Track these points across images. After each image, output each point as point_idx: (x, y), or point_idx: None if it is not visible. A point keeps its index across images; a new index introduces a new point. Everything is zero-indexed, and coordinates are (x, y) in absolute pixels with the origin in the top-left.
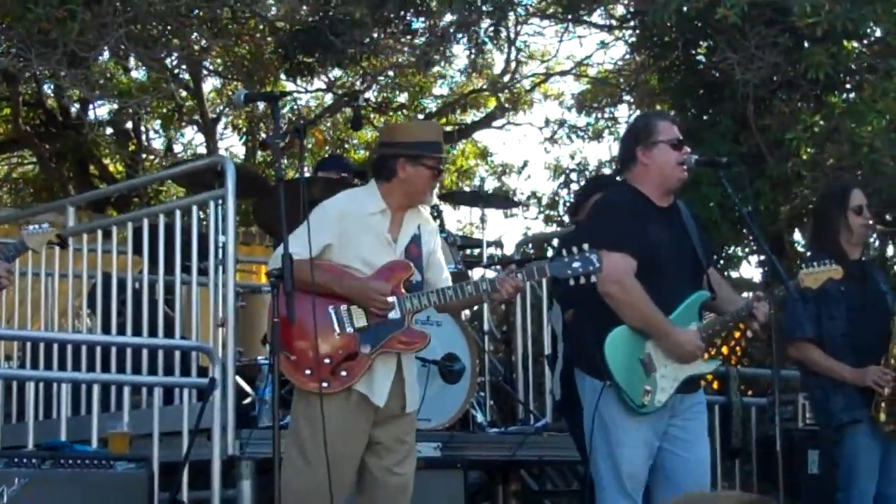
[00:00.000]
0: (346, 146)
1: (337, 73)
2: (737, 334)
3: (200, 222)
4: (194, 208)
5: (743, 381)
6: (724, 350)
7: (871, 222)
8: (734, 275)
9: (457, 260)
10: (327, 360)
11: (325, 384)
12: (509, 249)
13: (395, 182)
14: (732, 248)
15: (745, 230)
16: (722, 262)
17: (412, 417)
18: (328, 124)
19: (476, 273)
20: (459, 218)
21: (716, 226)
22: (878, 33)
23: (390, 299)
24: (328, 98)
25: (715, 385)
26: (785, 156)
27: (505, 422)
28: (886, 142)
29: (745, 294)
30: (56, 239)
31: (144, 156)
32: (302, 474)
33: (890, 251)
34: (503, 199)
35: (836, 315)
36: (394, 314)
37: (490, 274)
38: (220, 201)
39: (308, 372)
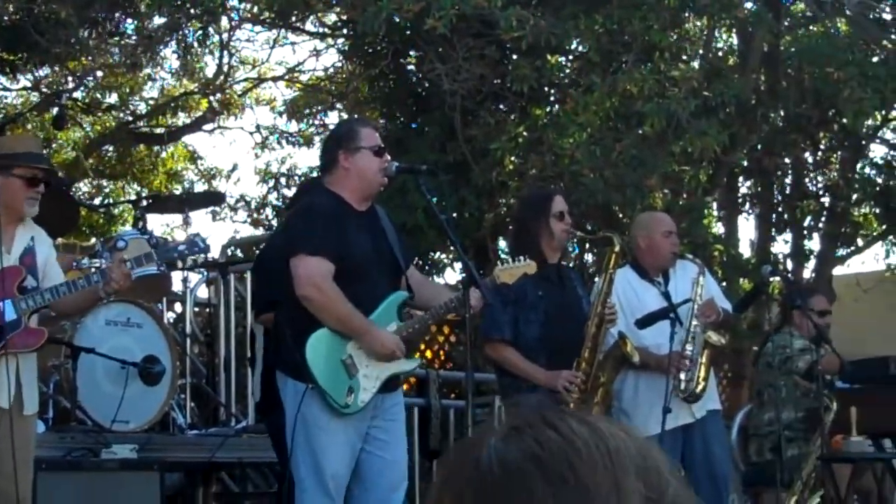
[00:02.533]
0: (53, 146)
1: (46, 71)
2: (440, 338)
3: None
4: None
5: (444, 384)
6: (428, 354)
7: (571, 228)
8: (439, 280)
9: (159, 262)
10: None
11: None
12: (216, 251)
13: None
14: (438, 253)
15: (447, 238)
16: (428, 267)
17: (30, 421)
18: (35, 123)
19: (177, 275)
20: (167, 221)
21: (422, 232)
22: (580, 49)
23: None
24: (35, 97)
25: (415, 388)
26: (490, 165)
27: (206, 424)
28: (587, 154)
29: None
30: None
31: None
32: None
33: (588, 258)
34: (206, 198)
35: (533, 319)
36: (10, 315)
37: (194, 277)
38: None
39: None
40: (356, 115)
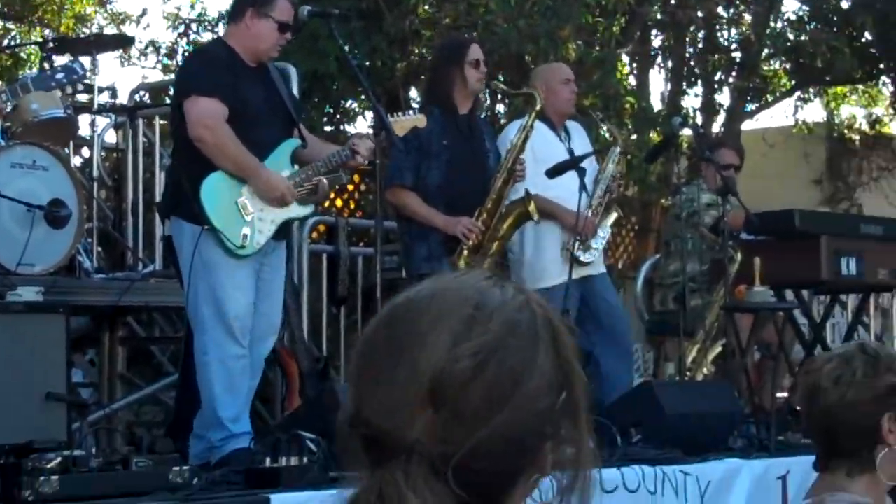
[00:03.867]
0: None
1: None
2: (350, 187)
3: None
4: None
5: (353, 232)
6: (338, 202)
7: (484, 77)
8: (350, 129)
9: (66, 105)
10: None
11: None
12: (124, 97)
13: None
14: (349, 102)
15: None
16: (339, 116)
17: None
18: None
19: (84, 119)
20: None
21: (333, 80)
22: None
23: None
24: None
25: (324, 235)
26: (403, 13)
27: (113, 268)
28: (501, 3)
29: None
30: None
31: None
32: None
33: (500, 109)
34: (115, 40)
35: (435, 167)
36: None
37: (102, 121)
38: None
39: None
40: None
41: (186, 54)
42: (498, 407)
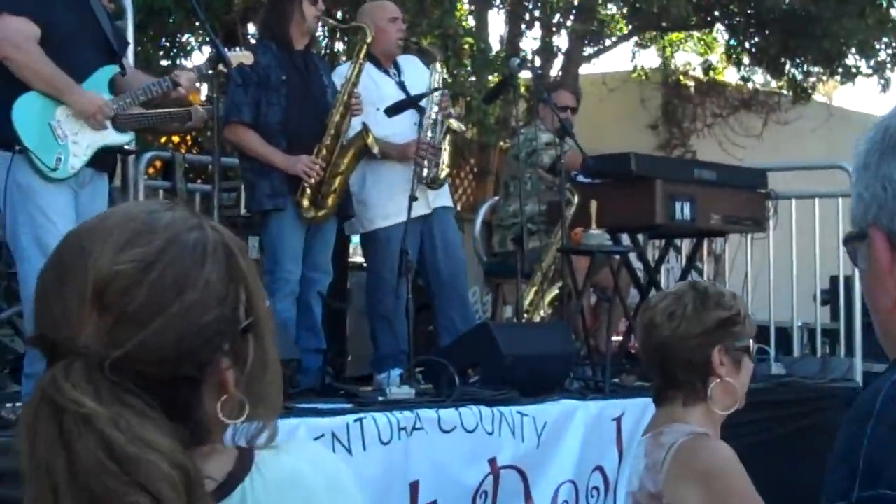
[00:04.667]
0: None
1: None
2: (175, 124)
3: None
4: None
5: (191, 169)
6: (175, 138)
7: (321, 14)
8: (186, 63)
9: None
10: None
11: None
12: None
13: None
14: (185, 36)
15: (196, 19)
16: (175, 50)
17: None
18: None
19: None
20: None
21: (169, 13)
22: None
23: None
24: None
25: (161, 171)
26: None
27: None
28: None
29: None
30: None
31: None
32: None
33: (339, 47)
34: None
35: (275, 102)
36: None
37: None
38: None
39: None
40: None
41: None
42: (158, 312)
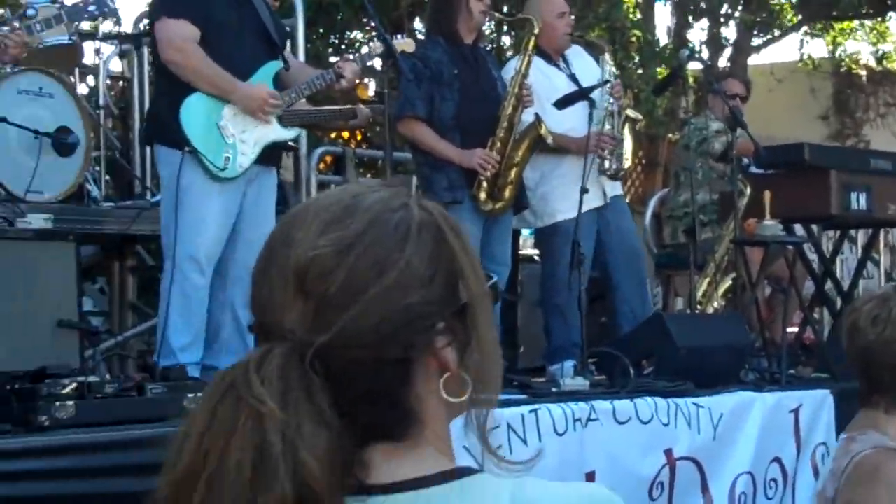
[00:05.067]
0: None
1: None
2: (339, 122)
3: None
4: None
5: (361, 163)
6: (345, 134)
7: (489, 9)
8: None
9: (70, 32)
10: None
11: None
12: (128, 25)
13: None
14: (354, 32)
15: (365, 14)
16: (343, 46)
17: None
18: None
19: (90, 46)
20: None
21: (338, 9)
22: None
23: None
24: None
25: (332, 166)
26: None
27: (121, 197)
28: None
29: (367, 80)
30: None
31: None
32: None
33: (505, 42)
34: None
35: (449, 96)
36: None
37: (107, 48)
38: None
39: None
40: None
41: None
42: (357, 295)
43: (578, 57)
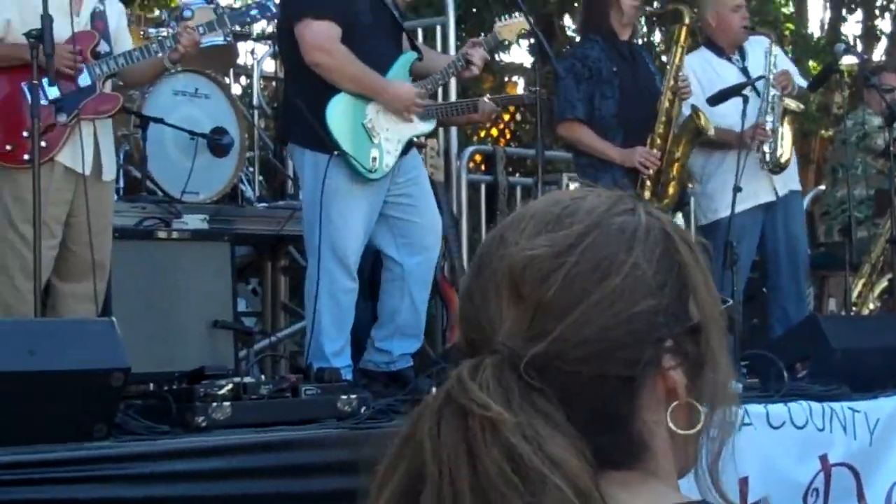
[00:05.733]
0: None
1: None
2: (506, 116)
3: None
4: None
5: (510, 162)
6: (494, 132)
7: (640, 4)
8: (505, 58)
9: (225, 32)
10: (25, 134)
11: (25, 157)
12: None
13: None
14: None
15: (517, 12)
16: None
17: (108, 188)
18: None
19: (244, 46)
20: None
21: (487, 6)
22: None
23: (80, 65)
24: None
25: (483, 166)
26: None
27: (274, 197)
28: None
29: (516, 78)
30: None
31: None
32: (15, 249)
33: (657, 37)
34: None
35: (609, 94)
36: (85, 81)
37: (261, 49)
38: None
39: (9, 148)
40: None
41: None
42: (577, 300)
43: (756, 47)
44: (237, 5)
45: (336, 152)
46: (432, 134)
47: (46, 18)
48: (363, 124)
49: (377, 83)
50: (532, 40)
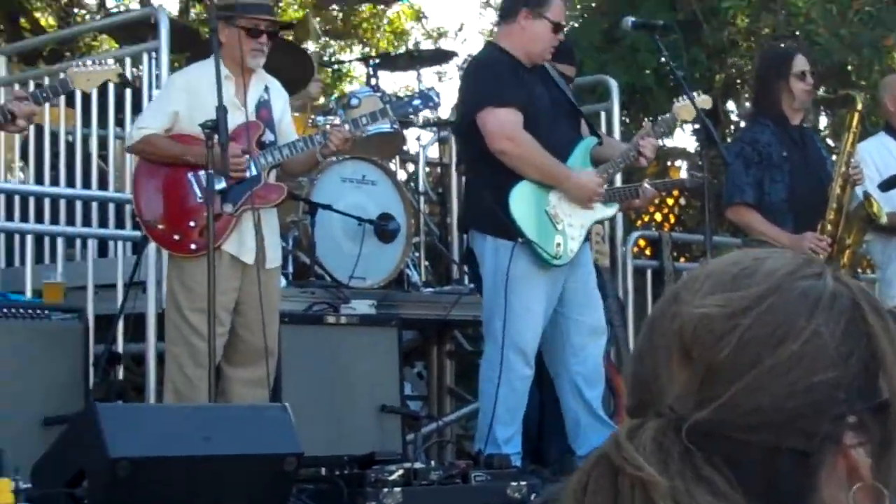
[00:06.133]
0: (281, 4)
1: None
2: (670, 201)
3: (134, 76)
4: (128, 61)
5: (675, 247)
6: (658, 216)
7: (812, 88)
8: (669, 143)
9: (392, 120)
10: (192, 224)
11: (192, 246)
12: (444, 111)
13: (225, 47)
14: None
15: (680, 97)
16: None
17: (273, 274)
18: None
19: (412, 133)
20: (395, 80)
21: (651, 93)
22: None
23: (245, 157)
24: None
25: (648, 251)
26: (721, 24)
27: (439, 282)
28: (822, 12)
29: (679, 162)
30: (117, 78)
31: (76, 10)
32: (183, 336)
33: (823, 122)
34: (437, 55)
35: (779, 179)
36: (250, 171)
37: (426, 136)
38: (154, 54)
39: (176, 238)
40: None
41: (466, 66)
42: (750, 365)
43: None
44: (402, 93)
45: (520, 240)
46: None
47: (221, 110)
48: (546, 211)
49: (560, 172)
50: (696, 125)
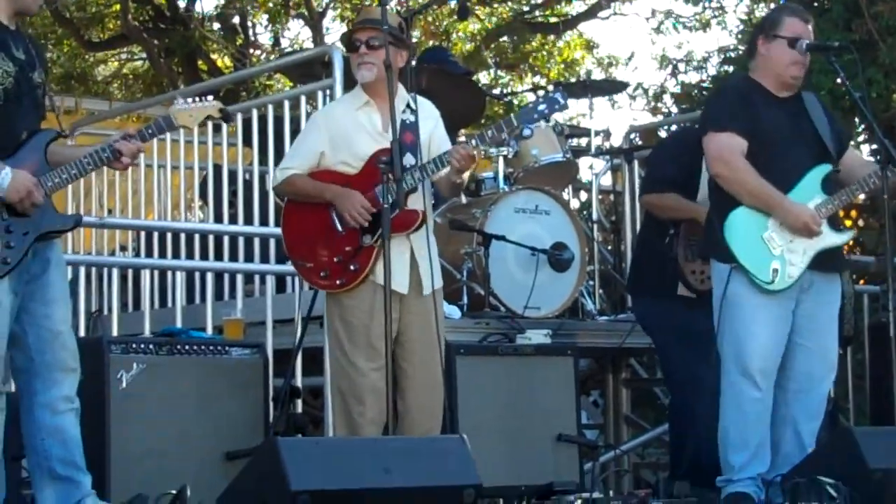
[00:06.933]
0: (452, 38)
1: None
2: (847, 223)
3: (309, 114)
4: (303, 99)
5: (854, 270)
6: None
7: None
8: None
9: (564, 149)
10: (336, 259)
11: (338, 281)
12: (617, 139)
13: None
14: None
15: (857, 118)
16: None
17: (428, 301)
18: (433, 15)
19: (584, 161)
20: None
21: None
22: None
23: (367, 216)
24: None
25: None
26: None
27: (614, 310)
28: None
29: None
30: (218, 114)
31: (252, 51)
32: (345, 371)
33: None
34: (609, 85)
35: None
36: (386, 201)
37: (598, 164)
38: (329, 91)
39: (323, 274)
40: (787, 2)
41: (711, 92)
42: None
43: None
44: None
45: (734, 264)
46: None
47: (395, 143)
48: (762, 237)
49: (773, 200)
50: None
